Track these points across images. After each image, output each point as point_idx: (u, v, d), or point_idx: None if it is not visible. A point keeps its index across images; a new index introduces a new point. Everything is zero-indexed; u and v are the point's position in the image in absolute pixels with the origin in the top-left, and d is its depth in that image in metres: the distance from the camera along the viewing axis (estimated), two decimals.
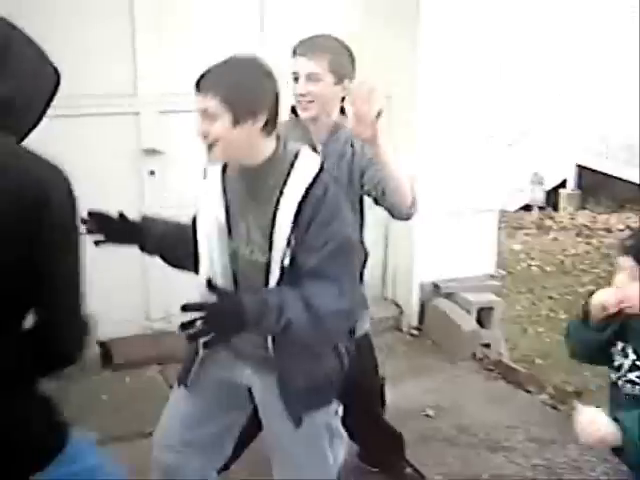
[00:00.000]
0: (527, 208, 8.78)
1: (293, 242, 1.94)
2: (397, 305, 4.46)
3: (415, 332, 4.36)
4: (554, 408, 3.70)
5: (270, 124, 1.96)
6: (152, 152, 3.95)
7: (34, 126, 1.64)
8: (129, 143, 3.92)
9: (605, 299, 2.05)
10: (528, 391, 3.85)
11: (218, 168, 2.10)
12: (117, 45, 3.82)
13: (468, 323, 4.20)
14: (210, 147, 1.95)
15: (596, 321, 2.08)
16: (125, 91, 3.89)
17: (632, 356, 2.06)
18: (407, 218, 2.49)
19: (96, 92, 3.74)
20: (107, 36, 3.78)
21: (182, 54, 3.87)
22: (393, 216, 2.48)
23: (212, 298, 1.89)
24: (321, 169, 2.00)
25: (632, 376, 2.06)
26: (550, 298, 5.58)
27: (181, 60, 3.86)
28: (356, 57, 2.52)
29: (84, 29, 3.71)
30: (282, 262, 1.96)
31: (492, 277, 4.58)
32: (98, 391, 3.68)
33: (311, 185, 1.95)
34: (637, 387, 2.06)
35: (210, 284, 1.90)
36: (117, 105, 3.89)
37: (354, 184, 2.48)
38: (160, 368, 3.87)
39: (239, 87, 1.92)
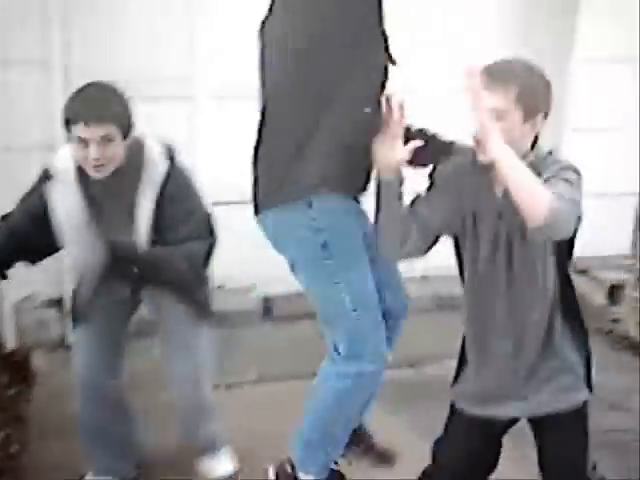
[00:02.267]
0: None
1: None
2: None
3: None
4: None
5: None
6: None
7: None
8: None
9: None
10: None
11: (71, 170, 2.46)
12: None
13: (599, 298, 4.44)
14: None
15: None
16: None
17: None
18: (543, 236, 1.92)
19: None
20: None
21: None
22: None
23: None
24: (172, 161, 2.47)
25: None
26: None
27: None
28: None
29: None
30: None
31: (626, 257, 4.76)
32: (259, 339, 4.25)
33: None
34: None
35: None
36: None
37: None
38: (313, 322, 4.37)
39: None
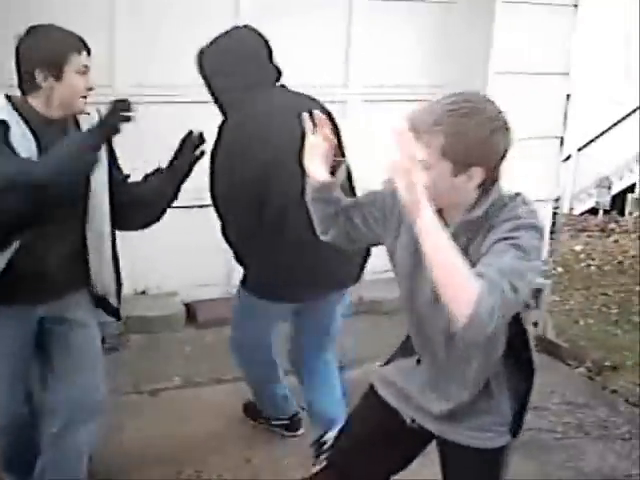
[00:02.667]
0: (594, 212, 9.01)
1: None
2: None
3: None
4: (590, 379, 4.05)
5: None
6: None
7: None
8: None
9: None
10: (568, 364, 4.20)
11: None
12: None
13: None
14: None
15: None
16: None
17: None
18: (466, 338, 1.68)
19: None
20: None
21: None
22: None
23: None
24: None
25: None
26: (604, 295, 5.83)
27: None
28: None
29: None
30: None
31: (542, 262, 4.90)
32: (183, 344, 4.21)
33: None
34: None
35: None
36: None
37: None
38: None
39: None
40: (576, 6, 4.67)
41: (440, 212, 1.74)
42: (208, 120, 2.64)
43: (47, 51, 2.24)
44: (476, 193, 1.78)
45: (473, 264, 1.65)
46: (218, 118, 2.76)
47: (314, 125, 1.98)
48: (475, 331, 1.59)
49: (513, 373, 1.98)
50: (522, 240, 1.68)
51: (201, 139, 2.47)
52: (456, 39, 4.60)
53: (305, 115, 2.01)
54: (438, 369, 2.00)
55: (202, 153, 2.49)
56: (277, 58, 2.82)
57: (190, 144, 2.45)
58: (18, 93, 2.33)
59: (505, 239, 1.68)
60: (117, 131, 2.27)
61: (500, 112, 1.78)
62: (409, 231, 1.83)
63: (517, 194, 1.83)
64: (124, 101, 2.26)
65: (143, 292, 4.24)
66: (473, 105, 1.75)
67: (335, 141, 2.03)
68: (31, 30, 2.31)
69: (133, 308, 4.02)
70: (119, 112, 2.25)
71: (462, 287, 1.58)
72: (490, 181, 1.79)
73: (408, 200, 1.61)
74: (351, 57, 4.22)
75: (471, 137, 1.71)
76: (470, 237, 1.79)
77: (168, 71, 4.03)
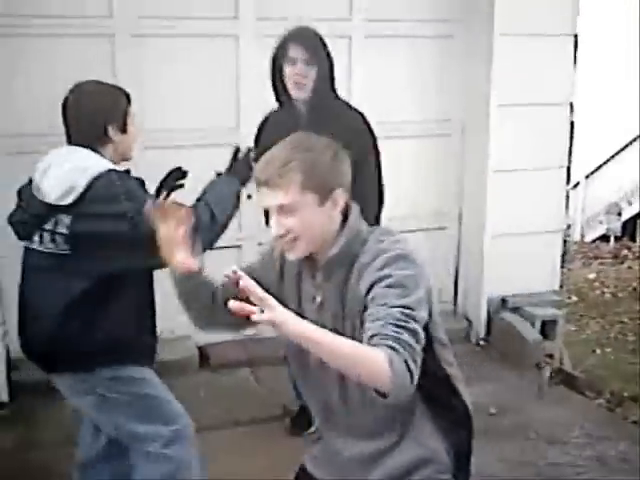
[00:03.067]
0: (605, 239, 8.96)
1: None
2: (467, 318, 4.80)
3: (483, 343, 4.67)
4: (610, 410, 3.98)
5: None
6: None
7: None
8: None
9: None
10: (586, 396, 4.13)
11: None
12: None
13: (532, 334, 4.51)
14: None
15: None
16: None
17: None
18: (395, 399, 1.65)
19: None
20: None
21: None
22: None
23: None
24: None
25: None
26: (620, 322, 5.79)
27: None
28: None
29: None
30: None
31: (555, 292, 4.87)
32: (197, 388, 4.17)
33: None
34: None
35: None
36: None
37: None
38: (251, 370, 4.34)
39: None
40: (576, 35, 4.67)
41: (311, 257, 1.79)
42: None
43: (115, 108, 2.38)
44: (339, 224, 1.81)
45: (355, 301, 1.72)
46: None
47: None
48: (401, 391, 1.59)
49: (439, 414, 1.90)
50: (395, 277, 1.68)
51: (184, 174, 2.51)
52: (456, 73, 4.59)
53: None
54: (344, 426, 1.93)
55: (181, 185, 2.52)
56: None
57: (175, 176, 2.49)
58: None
59: (380, 280, 1.69)
60: (249, 179, 2.44)
61: (330, 141, 1.84)
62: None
63: (376, 228, 1.88)
64: (249, 150, 2.57)
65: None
66: (308, 138, 1.83)
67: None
68: (84, 88, 2.42)
69: None
70: (250, 161, 2.48)
71: (369, 363, 1.58)
72: (346, 208, 1.83)
73: (266, 319, 1.57)
74: (352, 94, 4.21)
75: (323, 162, 1.77)
76: (343, 274, 1.79)
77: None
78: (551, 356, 4.52)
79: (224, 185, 2.50)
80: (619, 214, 8.97)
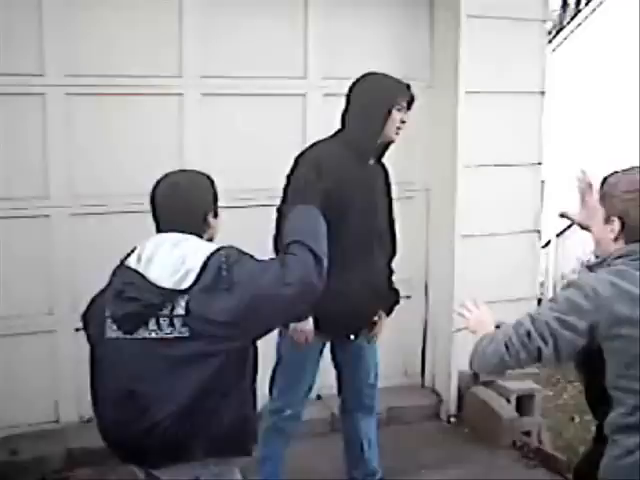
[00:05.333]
0: None
1: None
2: (436, 393, 4.52)
3: (453, 420, 4.39)
4: None
5: None
6: None
7: None
8: None
9: None
10: (568, 479, 3.81)
11: None
12: None
13: (507, 411, 4.22)
14: None
15: None
16: None
17: None
18: None
19: None
20: None
21: None
22: None
23: None
24: None
25: None
26: None
27: None
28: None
29: None
30: None
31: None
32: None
33: None
34: None
35: None
36: None
37: None
38: None
39: None
40: (543, 93, 4.56)
41: None
42: None
43: (212, 195, 2.52)
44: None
45: None
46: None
47: None
48: None
49: None
50: None
51: None
52: (420, 134, 4.39)
53: None
54: None
55: None
56: None
57: None
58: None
59: None
60: None
61: None
62: None
63: None
64: None
65: (88, 420, 3.82)
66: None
67: None
68: (178, 179, 2.52)
69: (77, 438, 3.80)
70: None
71: None
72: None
73: None
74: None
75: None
76: None
77: None
78: (528, 433, 4.22)
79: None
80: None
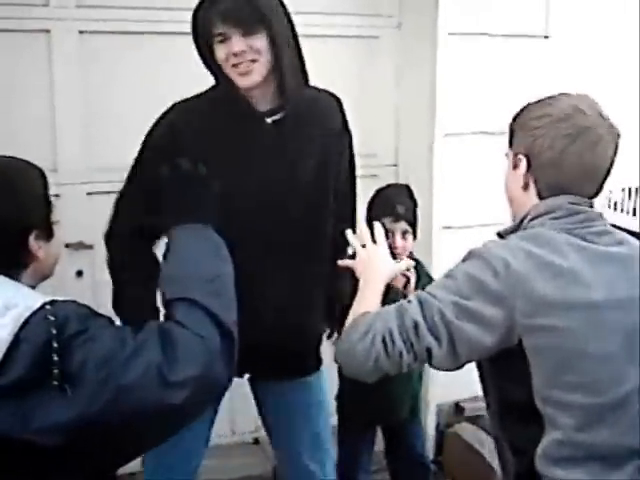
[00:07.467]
0: None
1: None
2: None
3: (433, 467, 3.62)
4: None
5: None
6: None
7: None
8: None
9: None
10: None
11: None
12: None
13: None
14: None
15: None
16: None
17: None
18: None
19: None
20: None
21: None
22: None
23: None
24: None
25: None
26: None
27: None
28: None
29: None
30: None
31: None
32: None
33: None
34: None
35: None
36: None
37: None
38: None
39: None
40: (547, 37, 3.89)
41: None
42: None
43: (39, 200, 1.90)
44: None
45: None
46: None
47: None
48: None
49: None
50: None
51: None
52: (385, 91, 3.82)
53: None
54: None
55: None
56: None
57: None
58: None
59: None
60: None
61: None
62: None
63: None
64: None
65: None
66: None
67: None
68: None
69: None
70: None
71: None
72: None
73: None
74: None
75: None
76: None
77: None
78: None
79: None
80: None
